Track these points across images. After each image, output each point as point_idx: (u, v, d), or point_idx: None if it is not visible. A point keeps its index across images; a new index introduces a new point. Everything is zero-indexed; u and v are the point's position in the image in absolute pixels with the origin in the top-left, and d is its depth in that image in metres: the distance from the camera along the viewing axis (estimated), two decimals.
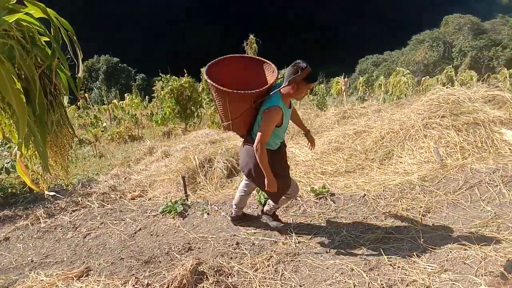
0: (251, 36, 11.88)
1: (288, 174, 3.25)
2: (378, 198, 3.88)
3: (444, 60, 43.45)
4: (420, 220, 3.41)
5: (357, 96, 19.91)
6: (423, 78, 20.77)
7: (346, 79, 14.00)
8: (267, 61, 3.11)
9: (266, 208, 3.57)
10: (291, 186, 3.22)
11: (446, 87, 6.44)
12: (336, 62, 56.81)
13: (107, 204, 4.70)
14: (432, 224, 3.34)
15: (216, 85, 2.79)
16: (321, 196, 4.03)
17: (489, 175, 3.90)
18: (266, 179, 2.92)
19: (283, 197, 3.27)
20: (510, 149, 4.53)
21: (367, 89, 23.19)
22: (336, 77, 18.70)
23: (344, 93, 13.18)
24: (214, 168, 5.56)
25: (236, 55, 3.15)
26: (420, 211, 3.54)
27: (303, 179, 4.84)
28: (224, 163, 5.61)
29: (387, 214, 3.60)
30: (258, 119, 2.95)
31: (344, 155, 5.47)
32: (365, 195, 3.96)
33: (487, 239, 2.94)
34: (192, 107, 10.80)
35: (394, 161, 5.02)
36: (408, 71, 13.57)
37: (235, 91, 2.77)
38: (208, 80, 2.84)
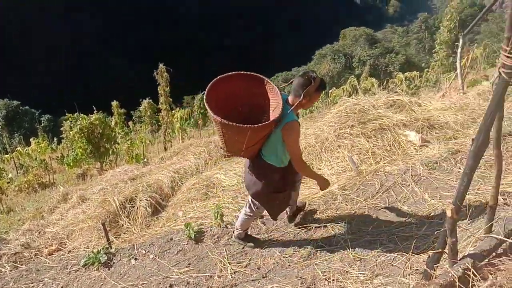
0: (161, 65, 11.72)
1: (292, 188, 3.30)
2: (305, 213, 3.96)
3: (346, 70, 46.80)
4: (346, 229, 3.53)
5: None
6: (331, 90, 22.06)
7: None
8: (258, 75, 2.95)
9: (236, 232, 3.56)
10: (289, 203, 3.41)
11: (351, 97, 6.90)
12: None
13: (21, 265, 4.21)
14: (358, 231, 3.48)
15: (238, 125, 2.55)
16: None
17: (401, 176, 4.20)
18: (317, 182, 3.12)
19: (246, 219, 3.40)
20: (415, 148, 4.94)
21: None
22: None
23: None
24: (137, 208, 5.28)
25: (222, 76, 2.87)
26: (345, 220, 3.67)
27: (231, 204, 4.78)
28: (147, 200, 5.36)
29: (315, 227, 3.68)
30: (273, 139, 2.84)
31: None
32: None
33: (408, 238, 3.12)
34: (106, 144, 10.26)
35: None
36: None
37: (259, 125, 2.61)
38: (224, 121, 2.56)
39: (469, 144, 2.18)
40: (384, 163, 4.69)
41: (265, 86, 2.94)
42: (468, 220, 3.06)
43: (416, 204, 3.69)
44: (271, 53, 79.63)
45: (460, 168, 4.05)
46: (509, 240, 1.94)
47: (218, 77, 2.83)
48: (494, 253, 1.96)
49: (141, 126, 19.06)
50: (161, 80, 11.63)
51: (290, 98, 2.90)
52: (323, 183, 3.12)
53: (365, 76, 33.98)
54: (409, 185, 4.04)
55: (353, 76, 23.55)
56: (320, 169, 5.21)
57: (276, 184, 3.05)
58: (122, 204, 5.29)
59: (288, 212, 3.78)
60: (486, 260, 1.90)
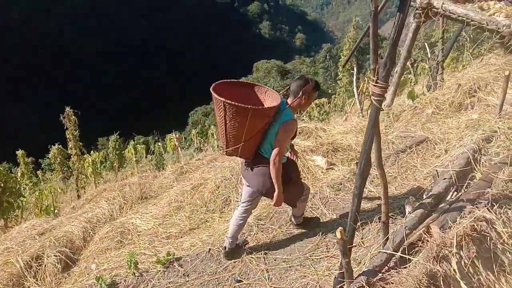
0: (67, 109, 11.12)
1: (299, 179, 3.51)
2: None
3: None
4: (264, 259, 3.55)
5: (194, 148, 20.42)
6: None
7: (178, 134, 14.21)
8: (255, 84, 3.29)
9: (295, 221, 3.82)
10: (304, 188, 3.51)
11: None
12: (169, 118, 57.65)
13: None
14: (275, 260, 3.52)
15: (239, 104, 2.75)
16: (167, 264, 3.86)
17: (311, 200, 4.37)
18: (276, 192, 3.05)
19: (300, 202, 3.51)
20: (322, 172, 5.20)
21: (202, 140, 24.01)
22: (169, 134, 18.86)
23: (179, 148, 13.32)
24: (45, 265, 4.83)
25: (225, 81, 3.16)
26: (262, 250, 3.70)
27: (148, 250, 4.58)
28: (56, 256, 4.92)
29: (234, 262, 3.65)
30: (270, 136, 3.01)
31: (186, 212, 5.43)
32: (210, 249, 3.95)
33: (320, 260, 3.24)
34: (10, 198, 9.31)
35: (232, 206, 5.21)
36: None
37: (259, 107, 2.84)
38: (227, 101, 2.77)
39: (357, 167, 2.36)
40: None
41: (259, 89, 3.28)
42: (374, 236, 3.27)
43: (326, 226, 3.85)
44: (187, 90, 79.83)
45: None
46: (397, 254, 2.09)
47: (216, 82, 3.07)
48: (386, 267, 2.11)
49: (51, 175, 17.74)
50: (68, 124, 11.01)
51: (289, 100, 3.10)
52: (279, 195, 3.12)
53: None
54: (318, 208, 4.22)
55: None
56: (237, 201, 5.24)
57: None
58: (27, 263, 4.81)
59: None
60: (380, 275, 2.03)
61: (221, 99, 2.80)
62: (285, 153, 3.17)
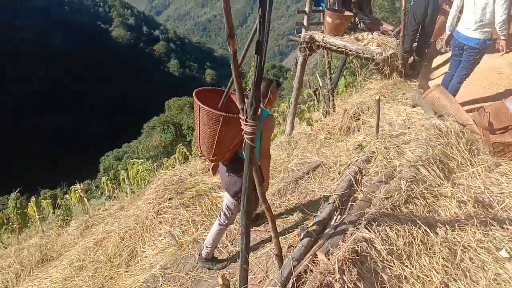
0: None
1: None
2: None
3: (179, 139, 47.79)
4: None
5: (106, 196, 19.24)
6: (163, 160, 22.05)
7: (81, 185, 13.29)
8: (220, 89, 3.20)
9: (204, 253, 3.71)
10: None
11: (180, 165, 6.98)
12: (80, 167, 54.24)
13: None
14: None
15: (224, 114, 2.70)
16: None
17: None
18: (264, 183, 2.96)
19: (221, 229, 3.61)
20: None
21: (114, 187, 22.76)
22: (73, 186, 17.66)
23: (86, 200, 12.44)
24: None
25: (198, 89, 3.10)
26: None
27: None
28: None
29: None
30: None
31: (89, 271, 5.01)
32: None
33: None
34: None
35: (139, 258, 4.92)
36: (143, 160, 14.07)
37: (228, 115, 2.72)
38: (212, 111, 2.73)
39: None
40: (203, 230, 4.76)
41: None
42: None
43: (235, 266, 3.79)
44: (98, 134, 76.00)
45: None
46: None
47: (196, 89, 3.07)
48: None
49: None
50: None
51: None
52: (266, 187, 3.24)
53: (194, 142, 35.19)
54: (226, 245, 4.15)
55: (181, 144, 24.10)
56: (144, 251, 4.97)
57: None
58: None
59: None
60: None
61: (206, 108, 2.77)
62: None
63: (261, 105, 3.11)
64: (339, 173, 4.44)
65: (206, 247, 3.67)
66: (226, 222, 3.57)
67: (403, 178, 3.02)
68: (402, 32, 5.73)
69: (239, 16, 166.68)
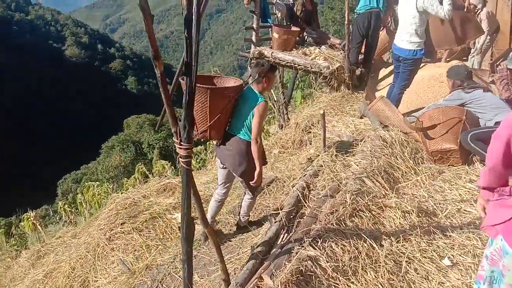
0: None
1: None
2: None
3: (139, 158, 46.67)
4: None
5: (63, 222, 18.37)
6: (123, 180, 21.41)
7: (36, 211, 12.64)
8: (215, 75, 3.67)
9: (242, 222, 3.92)
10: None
11: (133, 187, 6.74)
12: (37, 191, 51.82)
13: None
14: None
15: (198, 85, 2.83)
16: None
17: (171, 263, 4.15)
18: (257, 170, 3.19)
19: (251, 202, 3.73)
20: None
21: (73, 211, 21.81)
22: (25, 213, 16.79)
23: (40, 227, 11.80)
24: None
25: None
26: None
27: None
28: None
29: None
30: (243, 116, 3.24)
31: None
32: None
33: None
34: None
35: (92, 287, 4.67)
36: (103, 181, 13.58)
37: (216, 86, 3.21)
38: (202, 86, 3.04)
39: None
40: (157, 255, 4.59)
41: (220, 78, 3.63)
42: None
43: None
44: (55, 155, 72.91)
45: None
46: None
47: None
48: None
49: None
50: None
51: (254, 86, 3.31)
52: (260, 176, 3.25)
53: (156, 160, 34.53)
54: (179, 270, 4.01)
55: (140, 163, 23.55)
56: (96, 280, 4.73)
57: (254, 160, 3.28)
58: None
59: None
60: None
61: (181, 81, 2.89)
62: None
63: (255, 90, 3.35)
64: (292, 187, 4.44)
65: (243, 217, 3.90)
66: (254, 194, 3.66)
67: (349, 191, 3.04)
68: (347, 45, 5.89)
69: None
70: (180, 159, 2.14)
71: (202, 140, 3.74)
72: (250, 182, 3.33)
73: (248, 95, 3.30)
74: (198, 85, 2.93)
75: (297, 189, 3.32)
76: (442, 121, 3.87)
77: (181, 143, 2.10)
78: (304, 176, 3.61)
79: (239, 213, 4.00)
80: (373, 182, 3.25)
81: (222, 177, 3.67)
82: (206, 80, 3.51)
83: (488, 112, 3.99)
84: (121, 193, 6.54)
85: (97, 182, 14.17)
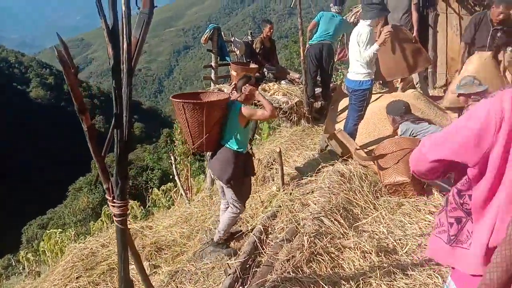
0: None
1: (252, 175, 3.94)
2: None
3: (107, 198, 45.22)
4: None
5: (25, 273, 17.25)
6: (91, 224, 20.57)
7: None
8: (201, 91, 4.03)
9: (216, 237, 3.78)
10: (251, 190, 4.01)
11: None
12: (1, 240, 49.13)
13: None
14: None
15: (194, 101, 3.38)
16: None
17: None
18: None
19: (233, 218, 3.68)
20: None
21: (36, 259, 20.61)
22: None
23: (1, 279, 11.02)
24: None
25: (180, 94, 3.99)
26: None
27: None
28: None
29: None
30: (232, 128, 3.45)
31: None
32: None
33: None
34: None
35: None
36: (60, 230, 12.95)
37: (212, 100, 3.50)
38: (185, 101, 3.37)
39: None
40: None
41: (205, 93, 3.90)
42: None
43: None
44: (22, 200, 69.72)
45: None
46: None
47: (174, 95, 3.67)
48: None
49: None
50: None
51: (238, 98, 3.55)
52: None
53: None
54: None
55: (106, 206, 22.78)
56: None
57: (241, 169, 3.52)
58: None
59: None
60: None
61: (180, 100, 3.39)
62: (245, 145, 3.60)
63: (236, 100, 3.54)
64: (251, 231, 4.28)
65: (219, 231, 3.79)
66: (238, 211, 3.68)
67: (306, 233, 2.92)
68: (304, 79, 5.94)
69: (164, 68, 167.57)
70: (114, 218, 1.97)
71: (198, 152, 3.76)
72: (243, 87, 3.55)
73: (232, 107, 3.49)
74: (195, 101, 3.38)
75: (254, 234, 3.17)
76: (395, 152, 3.86)
77: (114, 200, 1.94)
78: (262, 218, 3.47)
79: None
80: (331, 221, 3.15)
81: (220, 189, 3.86)
82: (190, 97, 3.74)
83: None
84: (79, 243, 6.17)
85: (59, 230, 13.48)
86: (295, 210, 3.44)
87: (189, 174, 8.79)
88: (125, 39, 1.84)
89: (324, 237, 2.93)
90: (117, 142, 1.90)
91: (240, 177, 3.57)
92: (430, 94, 7.20)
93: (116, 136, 1.89)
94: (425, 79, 7.50)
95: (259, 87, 4.24)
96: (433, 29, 8.20)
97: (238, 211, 3.73)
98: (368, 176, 4.13)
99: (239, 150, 3.52)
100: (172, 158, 7.60)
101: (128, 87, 1.86)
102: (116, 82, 1.82)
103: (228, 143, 3.50)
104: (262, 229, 3.24)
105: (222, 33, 7.26)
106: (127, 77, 1.85)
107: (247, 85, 3.55)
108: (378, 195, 3.91)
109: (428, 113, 5.93)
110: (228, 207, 3.78)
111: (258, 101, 3.81)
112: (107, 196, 1.99)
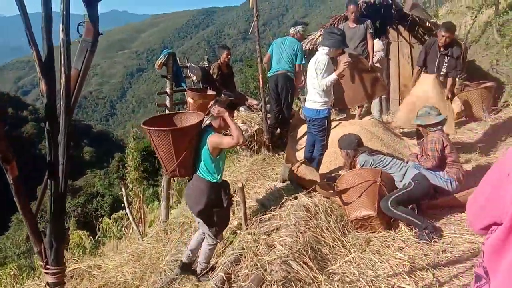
0: None
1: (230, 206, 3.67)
2: None
3: None
4: None
5: None
6: (35, 257, 19.06)
7: None
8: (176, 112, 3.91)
9: (199, 269, 3.63)
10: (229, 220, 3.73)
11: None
12: None
13: None
14: None
15: (159, 128, 3.21)
16: None
17: None
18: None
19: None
20: None
21: None
22: None
23: None
24: None
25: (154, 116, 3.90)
26: None
27: None
28: None
29: None
30: (204, 157, 3.30)
31: None
32: None
33: None
34: None
35: None
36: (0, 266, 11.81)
37: (176, 127, 3.33)
38: (151, 129, 3.20)
39: None
40: None
41: (180, 115, 3.70)
42: None
43: None
44: None
45: None
46: None
47: (146, 119, 3.53)
48: None
49: None
50: None
51: (212, 123, 3.39)
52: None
53: (73, 230, 31.60)
54: None
55: None
56: None
57: (214, 200, 3.38)
58: None
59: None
60: None
61: (145, 127, 3.23)
62: (220, 175, 3.42)
63: (211, 128, 3.38)
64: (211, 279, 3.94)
65: (200, 264, 3.63)
66: (214, 242, 3.54)
67: (274, 281, 2.65)
68: (264, 108, 5.78)
69: (116, 91, 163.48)
70: (46, 287, 1.60)
71: (174, 177, 3.67)
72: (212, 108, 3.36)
73: (203, 134, 3.35)
74: (159, 128, 3.19)
75: (216, 284, 2.85)
76: (358, 184, 3.74)
77: (48, 266, 1.58)
78: (224, 264, 3.16)
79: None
80: (300, 265, 2.90)
81: (201, 227, 3.63)
82: (164, 120, 3.61)
83: (396, 172, 3.99)
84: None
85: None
86: (260, 253, 3.15)
87: (141, 205, 8.27)
88: (63, 72, 1.53)
89: (294, 285, 2.67)
90: (51, 195, 1.56)
91: (214, 208, 3.40)
92: (384, 120, 7.32)
93: (50, 188, 1.56)
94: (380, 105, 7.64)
95: (235, 111, 3.96)
96: (385, 57, 8.42)
97: (214, 242, 3.57)
98: (334, 210, 3.96)
99: (212, 180, 3.36)
100: (123, 189, 7.07)
101: (65, 129, 1.54)
102: (50, 125, 1.49)
103: (201, 172, 3.37)
104: (224, 277, 2.92)
105: (178, 58, 6.98)
106: (64, 118, 1.54)
107: (216, 105, 3.32)
108: (346, 230, 3.73)
109: (386, 139, 5.95)
110: (204, 237, 3.63)
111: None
112: (39, 262, 1.62)
